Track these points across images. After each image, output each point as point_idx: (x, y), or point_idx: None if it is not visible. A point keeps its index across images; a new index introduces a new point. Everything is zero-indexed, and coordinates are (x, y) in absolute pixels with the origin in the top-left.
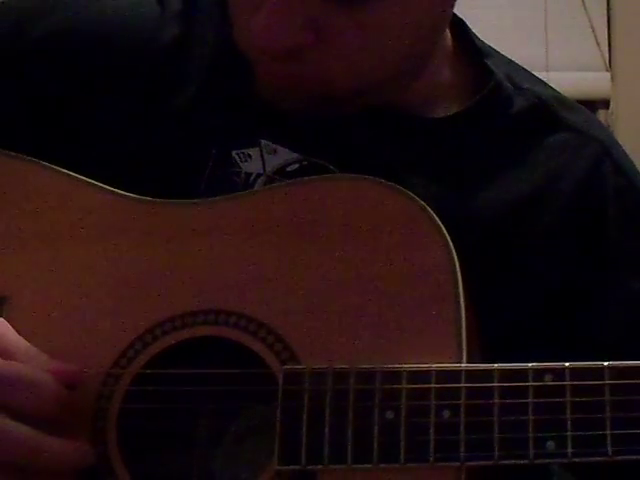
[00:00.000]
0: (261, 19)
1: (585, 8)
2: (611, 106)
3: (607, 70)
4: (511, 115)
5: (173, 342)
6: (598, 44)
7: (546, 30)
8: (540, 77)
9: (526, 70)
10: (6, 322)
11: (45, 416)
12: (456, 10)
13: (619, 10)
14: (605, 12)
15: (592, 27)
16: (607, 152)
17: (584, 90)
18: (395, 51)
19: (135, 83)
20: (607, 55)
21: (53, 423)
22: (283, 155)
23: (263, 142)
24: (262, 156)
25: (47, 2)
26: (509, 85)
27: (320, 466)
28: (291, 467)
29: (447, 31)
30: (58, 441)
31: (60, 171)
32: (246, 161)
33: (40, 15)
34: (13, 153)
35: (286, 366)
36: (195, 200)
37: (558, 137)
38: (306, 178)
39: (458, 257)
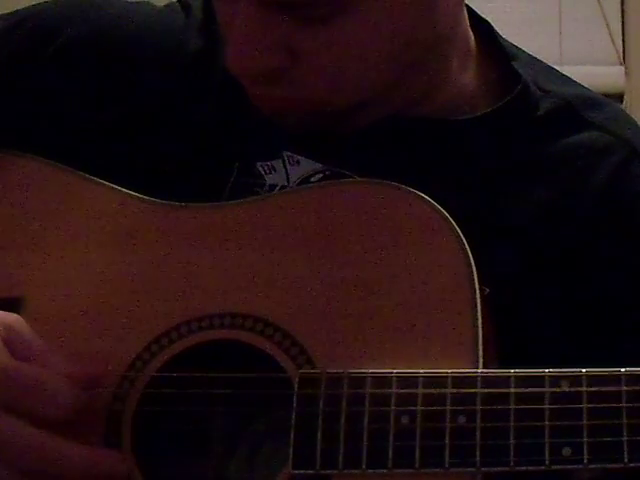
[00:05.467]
0: (231, 43)
1: (599, 2)
2: (625, 100)
3: (621, 64)
4: (537, 118)
5: (189, 345)
6: (612, 38)
7: (560, 24)
8: None
9: (551, 69)
10: (23, 320)
11: (60, 421)
12: (470, 3)
13: (633, 4)
14: (619, 6)
15: (606, 21)
16: (635, 152)
17: (598, 84)
18: (374, 63)
19: (160, 92)
20: (621, 49)
21: (66, 425)
22: (306, 166)
23: (286, 153)
24: (286, 168)
25: (73, 8)
26: (535, 88)
27: (335, 471)
28: (305, 471)
29: (470, 33)
30: (76, 447)
31: (76, 173)
32: (270, 173)
33: (67, 21)
34: (31, 155)
35: (302, 370)
36: (212, 204)
37: (583, 137)
38: (324, 182)
39: (480, 262)
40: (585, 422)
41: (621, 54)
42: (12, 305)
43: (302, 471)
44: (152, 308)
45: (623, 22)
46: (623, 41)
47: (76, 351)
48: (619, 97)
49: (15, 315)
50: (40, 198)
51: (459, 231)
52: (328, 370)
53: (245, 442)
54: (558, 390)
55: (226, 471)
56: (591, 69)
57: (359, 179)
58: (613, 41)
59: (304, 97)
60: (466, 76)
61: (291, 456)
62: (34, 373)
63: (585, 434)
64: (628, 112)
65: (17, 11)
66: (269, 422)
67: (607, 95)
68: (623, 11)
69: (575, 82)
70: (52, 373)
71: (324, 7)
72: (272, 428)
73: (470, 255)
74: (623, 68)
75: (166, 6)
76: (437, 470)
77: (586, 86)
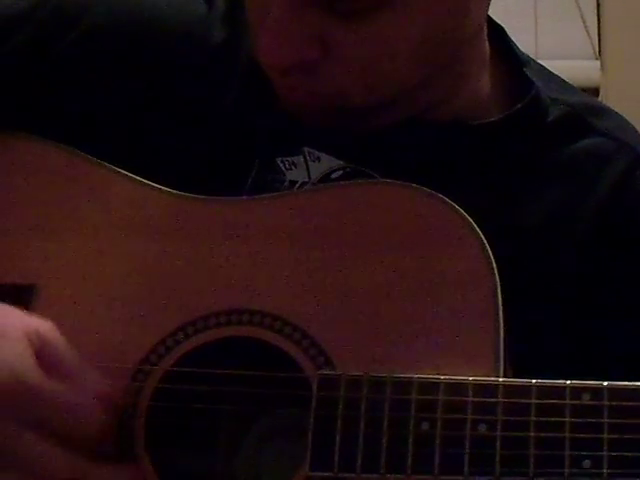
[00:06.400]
0: (264, 34)
1: None
2: (600, 94)
3: (596, 58)
4: (547, 124)
5: (205, 341)
6: (588, 32)
7: (536, 18)
8: None
9: (557, 76)
10: (56, 330)
11: (89, 444)
12: None
13: None
14: (595, 0)
15: (582, 15)
16: (639, 159)
17: (573, 78)
18: (405, 61)
19: (182, 84)
20: (597, 43)
21: None
22: (327, 162)
23: (306, 150)
24: (307, 164)
25: None
26: (546, 95)
27: (352, 474)
28: (323, 474)
29: (485, 38)
30: (100, 468)
31: (95, 161)
32: (291, 169)
33: (88, 8)
34: (49, 141)
35: (321, 371)
36: (236, 198)
37: (589, 143)
38: (347, 182)
39: (497, 267)
40: (606, 435)
41: (597, 48)
42: (24, 292)
43: (320, 473)
44: (169, 301)
45: (599, 16)
46: (599, 35)
47: (89, 342)
48: (594, 91)
49: (48, 323)
50: (56, 184)
51: (481, 235)
52: (348, 372)
53: (255, 439)
54: (579, 402)
55: (236, 469)
56: (567, 63)
57: (381, 180)
58: (589, 35)
59: (331, 91)
60: (482, 81)
61: (309, 457)
62: (67, 395)
63: (606, 447)
64: None
65: None
66: (279, 421)
67: (582, 89)
68: (599, 5)
69: (578, 90)
70: (85, 396)
71: (364, 1)
72: (283, 427)
73: (492, 259)
74: (599, 62)
75: None
76: (456, 478)
77: None
